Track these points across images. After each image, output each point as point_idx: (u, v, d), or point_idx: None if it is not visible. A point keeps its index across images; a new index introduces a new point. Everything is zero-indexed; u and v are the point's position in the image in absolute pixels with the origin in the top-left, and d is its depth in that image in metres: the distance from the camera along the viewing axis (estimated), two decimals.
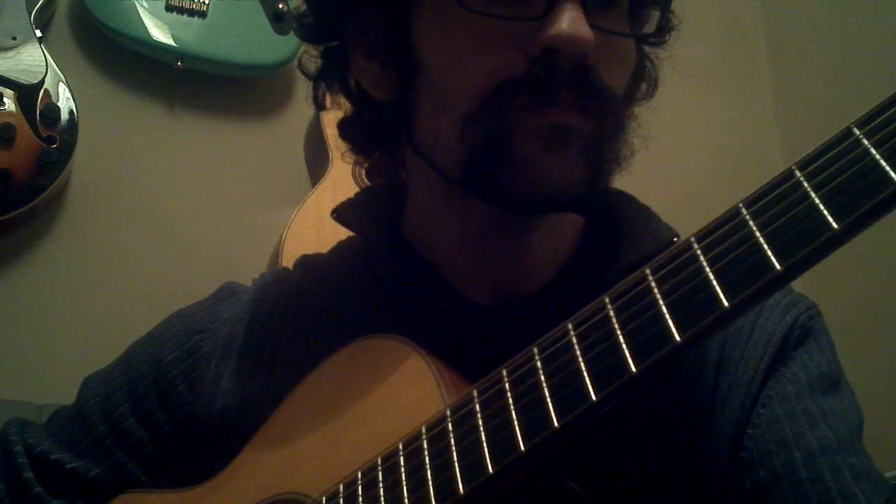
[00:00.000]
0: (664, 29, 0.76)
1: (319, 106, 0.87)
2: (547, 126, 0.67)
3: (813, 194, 0.46)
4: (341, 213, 0.81)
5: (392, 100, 0.76)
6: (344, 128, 0.85)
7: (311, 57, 0.84)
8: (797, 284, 0.56)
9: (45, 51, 1.61)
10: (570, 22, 0.65)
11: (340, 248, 0.89)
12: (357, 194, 0.86)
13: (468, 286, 0.78)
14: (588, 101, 0.68)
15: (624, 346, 0.51)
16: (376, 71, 0.76)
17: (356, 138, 0.85)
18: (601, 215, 0.81)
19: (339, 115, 0.87)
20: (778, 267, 0.46)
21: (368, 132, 0.83)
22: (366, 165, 0.88)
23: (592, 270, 0.75)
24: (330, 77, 0.83)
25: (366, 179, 1.75)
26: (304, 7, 0.82)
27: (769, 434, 0.69)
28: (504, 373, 0.58)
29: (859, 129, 0.46)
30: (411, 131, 0.75)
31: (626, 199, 0.82)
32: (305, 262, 0.89)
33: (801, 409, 0.69)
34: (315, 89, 0.85)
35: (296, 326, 0.82)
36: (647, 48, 0.79)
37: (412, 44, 0.72)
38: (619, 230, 0.78)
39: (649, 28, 0.76)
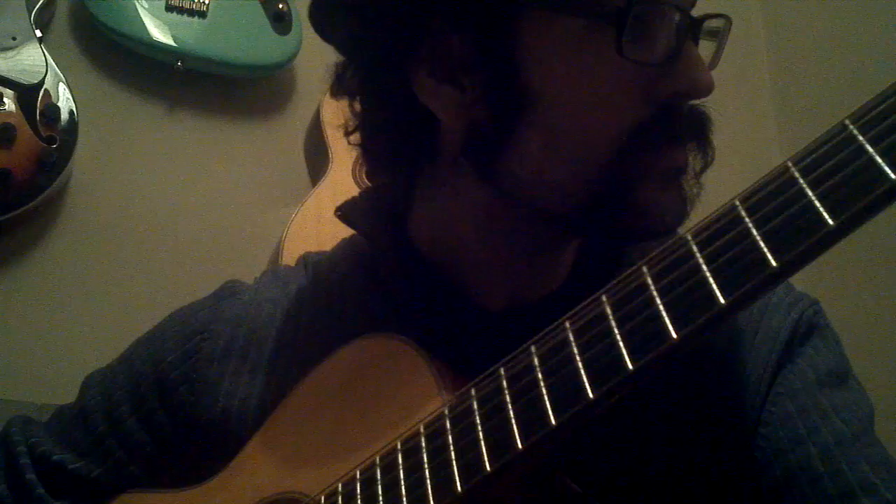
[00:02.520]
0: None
1: (363, 122, 0.79)
2: (669, 167, 0.69)
3: (809, 191, 0.46)
4: (345, 213, 0.80)
5: (467, 124, 0.71)
6: (370, 139, 0.80)
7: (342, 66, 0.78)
8: (795, 280, 0.56)
9: (45, 51, 1.61)
10: (699, 70, 0.67)
11: (343, 247, 0.88)
12: (361, 193, 0.85)
13: (484, 293, 0.77)
14: (695, 140, 0.70)
15: (621, 343, 0.51)
16: (448, 93, 0.70)
17: (382, 151, 0.80)
18: None
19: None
20: (774, 264, 0.46)
21: (400, 146, 0.77)
22: (365, 169, 0.85)
23: (599, 271, 0.75)
24: (373, 91, 0.77)
25: (366, 180, 1.75)
26: (348, 17, 0.74)
27: (782, 432, 0.69)
28: (501, 371, 0.58)
29: (853, 123, 0.46)
30: (491, 158, 0.70)
31: None
32: (308, 260, 0.89)
33: (812, 405, 0.70)
34: (369, 107, 0.78)
35: (297, 327, 0.82)
36: None
37: (519, 77, 0.67)
38: None
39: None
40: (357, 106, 0.79)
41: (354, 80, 0.77)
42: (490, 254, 0.76)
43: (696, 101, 0.70)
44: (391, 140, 0.78)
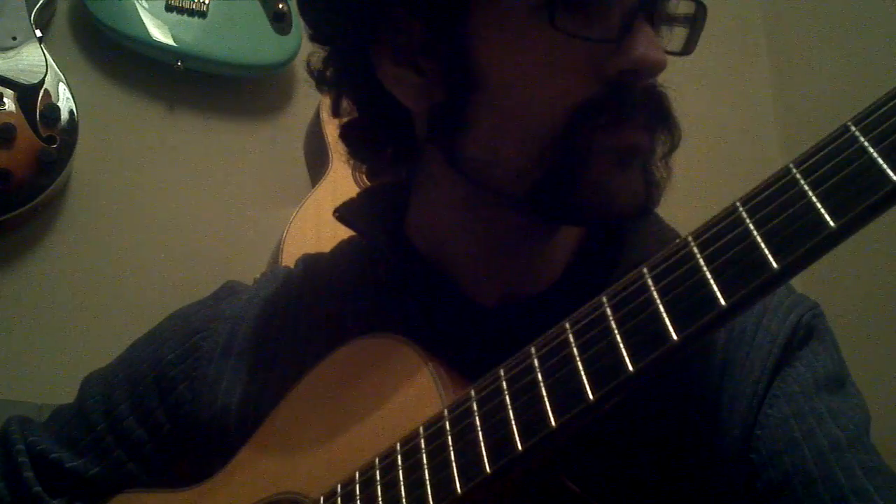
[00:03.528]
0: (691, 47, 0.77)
1: (338, 113, 0.82)
2: (622, 146, 0.68)
3: (810, 192, 0.46)
4: (343, 213, 0.81)
5: (428, 108, 0.73)
6: (349, 132, 0.82)
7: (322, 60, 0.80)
8: (796, 282, 0.56)
9: (45, 51, 1.60)
10: (648, 45, 0.66)
11: (342, 247, 0.89)
12: (359, 194, 0.86)
13: (476, 288, 0.77)
14: (655, 121, 0.69)
15: (621, 345, 0.51)
16: (410, 78, 0.72)
17: (361, 143, 0.82)
18: None
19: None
20: (775, 266, 0.46)
21: (380, 137, 0.80)
22: (364, 169, 0.86)
23: (595, 271, 0.75)
24: (345, 82, 0.79)
25: (366, 179, 1.74)
26: (315, 6, 0.78)
27: (778, 434, 0.69)
28: (501, 372, 0.58)
29: (856, 126, 0.46)
30: (452, 142, 0.72)
31: None
32: (307, 261, 0.89)
33: (808, 409, 0.69)
34: (336, 97, 0.81)
35: (296, 326, 0.82)
36: None
37: (469, 58, 0.69)
38: (621, 230, 0.78)
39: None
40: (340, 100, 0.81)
41: (331, 71, 0.79)
42: (473, 245, 0.77)
43: (654, 81, 0.69)
44: (368, 131, 0.80)
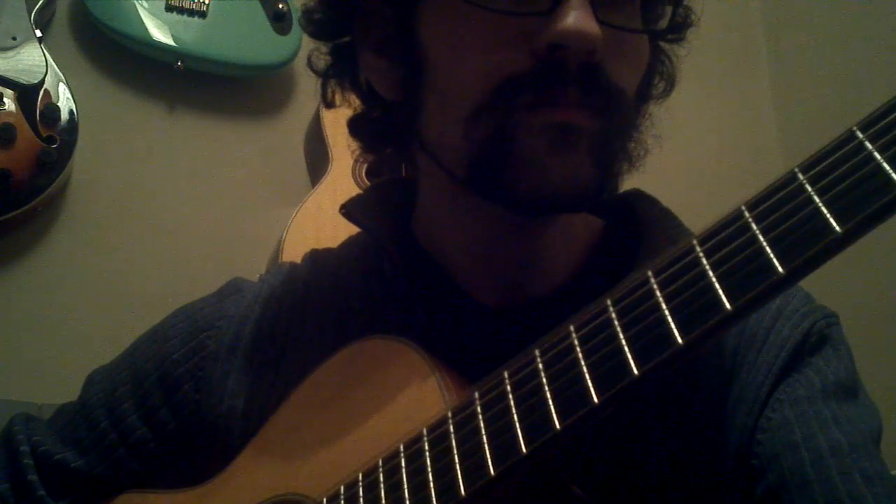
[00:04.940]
0: (681, 25, 0.75)
1: (328, 104, 0.84)
2: (553, 125, 0.66)
3: (816, 198, 0.46)
4: (350, 210, 0.80)
5: (400, 97, 0.75)
6: (354, 125, 0.83)
7: (321, 54, 0.83)
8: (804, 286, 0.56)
9: (45, 51, 1.61)
10: (576, 17, 0.63)
11: (349, 244, 0.88)
12: (366, 190, 0.86)
13: (478, 287, 0.77)
14: (595, 100, 0.66)
15: (626, 348, 0.51)
16: (384, 68, 0.75)
17: (366, 136, 0.83)
18: (621, 217, 0.80)
19: (339, 114, 0.86)
20: (781, 270, 0.46)
21: (378, 130, 0.81)
22: (366, 164, 0.88)
23: (608, 274, 0.74)
24: (338, 74, 0.82)
25: (366, 179, 1.75)
26: (311, 2, 0.81)
27: (778, 437, 0.68)
28: (506, 374, 0.58)
29: (862, 131, 0.46)
30: (419, 129, 0.74)
31: (648, 201, 0.81)
32: (314, 257, 0.88)
33: (812, 413, 0.68)
34: (323, 87, 0.83)
35: (302, 325, 0.82)
36: (664, 45, 0.78)
37: (418, 40, 0.71)
38: (638, 233, 0.77)
39: (664, 24, 0.75)
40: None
41: (326, 64, 0.82)
42: (465, 240, 0.76)
43: (599, 59, 0.66)
44: (368, 124, 0.82)
